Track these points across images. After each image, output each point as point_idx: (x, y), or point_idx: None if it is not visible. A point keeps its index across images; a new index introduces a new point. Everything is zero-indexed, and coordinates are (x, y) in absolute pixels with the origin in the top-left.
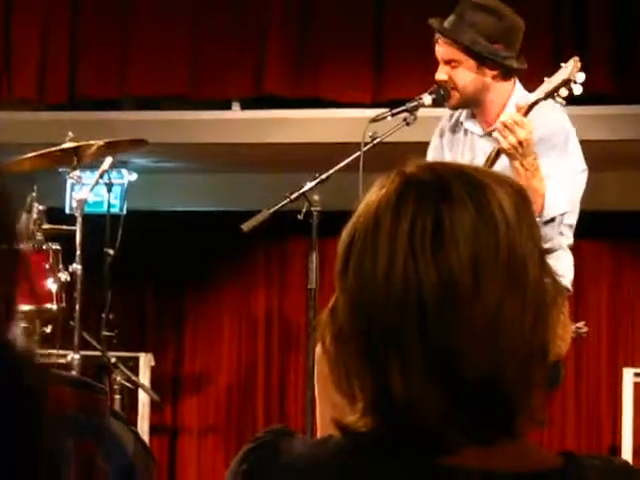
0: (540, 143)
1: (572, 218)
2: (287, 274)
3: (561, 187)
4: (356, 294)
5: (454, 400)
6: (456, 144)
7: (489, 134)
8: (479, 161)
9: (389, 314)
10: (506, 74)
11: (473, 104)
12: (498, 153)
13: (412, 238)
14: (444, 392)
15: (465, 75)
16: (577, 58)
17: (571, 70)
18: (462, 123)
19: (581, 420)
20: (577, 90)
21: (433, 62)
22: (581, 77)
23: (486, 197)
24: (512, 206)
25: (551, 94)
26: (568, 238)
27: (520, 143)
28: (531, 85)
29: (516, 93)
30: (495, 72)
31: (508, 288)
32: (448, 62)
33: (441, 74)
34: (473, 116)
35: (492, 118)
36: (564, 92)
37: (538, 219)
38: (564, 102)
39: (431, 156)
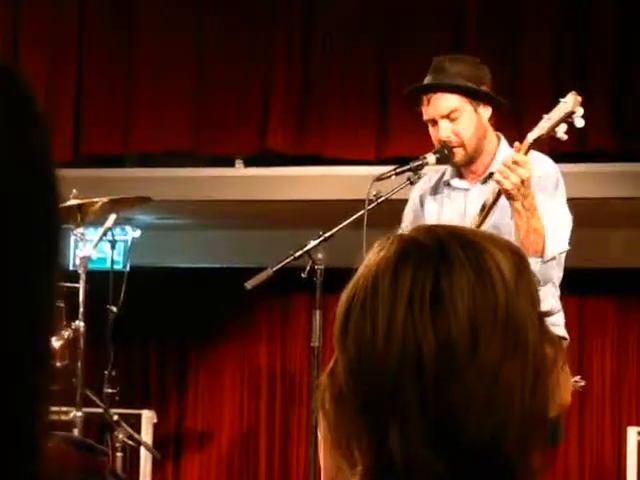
0: (532, 184)
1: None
2: (289, 331)
3: (557, 226)
4: (355, 356)
5: (454, 463)
6: (441, 202)
7: (486, 179)
8: (470, 213)
9: (388, 377)
10: (496, 112)
11: (476, 156)
12: (497, 197)
13: (411, 301)
14: (443, 455)
15: (468, 123)
16: (575, 92)
17: (572, 103)
18: (448, 183)
19: (584, 479)
20: (579, 123)
21: None
22: (581, 110)
23: (484, 259)
24: (510, 268)
25: (552, 130)
26: (559, 278)
27: (522, 182)
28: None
29: (503, 145)
30: (489, 112)
31: (507, 350)
32: (447, 115)
33: (444, 131)
34: (459, 175)
35: (481, 170)
36: (563, 127)
37: (539, 259)
38: (565, 137)
39: (409, 218)
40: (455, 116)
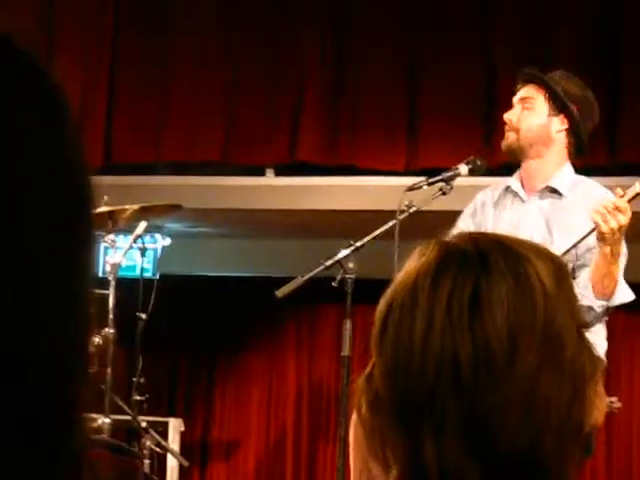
0: None
1: None
2: (317, 341)
3: (622, 274)
4: (392, 361)
5: (489, 472)
6: (500, 211)
7: (543, 195)
8: (527, 229)
9: (424, 382)
10: (570, 135)
11: (524, 153)
12: (588, 234)
13: (450, 307)
14: (479, 463)
15: (534, 118)
16: None
17: None
18: (509, 188)
19: None
20: None
21: (466, 132)
22: None
23: (525, 269)
24: (551, 279)
25: None
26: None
27: (619, 229)
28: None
29: (566, 168)
30: (563, 127)
31: (545, 361)
32: (523, 100)
33: (511, 114)
34: (520, 182)
35: (538, 184)
36: None
37: (606, 303)
38: None
39: (468, 214)
40: (528, 106)
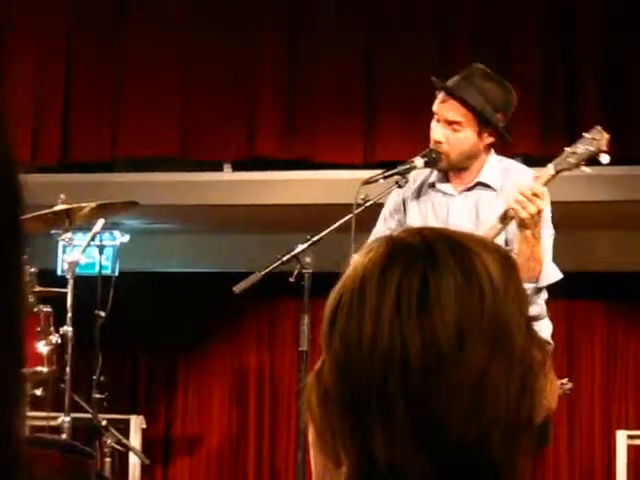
0: None
1: None
2: (278, 335)
3: (548, 254)
4: (342, 357)
5: (438, 466)
6: (424, 205)
7: (470, 189)
8: (456, 220)
9: (373, 377)
10: (498, 143)
11: (460, 167)
12: (505, 217)
13: (398, 301)
14: (427, 457)
15: (465, 141)
16: (601, 127)
17: (602, 142)
18: (434, 184)
19: None
20: (605, 159)
21: (424, 124)
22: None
23: (473, 262)
24: (499, 272)
25: (577, 166)
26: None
27: (538, 213)
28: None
29: (492, 156)
30: (491, 140)
31: (493, 354)
32: (450, 123)
33: (439, 135)
34: (445, 178)
35: (468, 179)
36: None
37: (534, 285)
38: (588, 170)
39: (388, 213)
40: (457, 128)
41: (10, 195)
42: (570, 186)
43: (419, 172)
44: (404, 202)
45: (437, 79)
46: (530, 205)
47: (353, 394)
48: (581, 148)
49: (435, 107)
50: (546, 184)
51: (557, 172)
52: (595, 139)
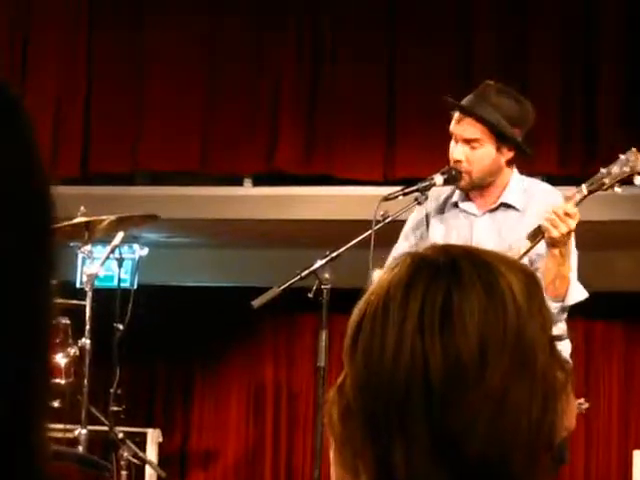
0: None
1: None
2: (295, 351)
3: (574, 272)
4: (363, 372)
5: None
6: (447, 224)
7: (495, 209)
8: (479, 240)
9: (395, 393)
10: (518, 158)
11: (482, 186)
12: (535, 236)
13: (421, 318)
14: (447, 474)
15: (485, 157)
16: (635, 149)
17: (637, 162)
18: (456, 204)
19: None
20: (638, 181)
21: (444, 142)
22: None
23: (497, 280)
24: (522, 290)
25: (611, 187)
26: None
27: (569, 233)
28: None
29: (515, 176)
30: (510, 155)
31: (515, 372)
32: (468, 142)
33: (459, 154)
34: (468, 197)
35: (492, 200)
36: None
37: (560, 303)
38: (620, 190)
39: (410, 229)
40: (475, 145)
41: (44, 212)
42: (590, 206)
43: (441, 189)
44: (427, 217)
45: (451, 99)
46: (562, 224)
47: (374, 409)
48: (616, 169)
49: (452, 127)
50: (578, 204)
51: (590, 192)
52: (630, 160)
